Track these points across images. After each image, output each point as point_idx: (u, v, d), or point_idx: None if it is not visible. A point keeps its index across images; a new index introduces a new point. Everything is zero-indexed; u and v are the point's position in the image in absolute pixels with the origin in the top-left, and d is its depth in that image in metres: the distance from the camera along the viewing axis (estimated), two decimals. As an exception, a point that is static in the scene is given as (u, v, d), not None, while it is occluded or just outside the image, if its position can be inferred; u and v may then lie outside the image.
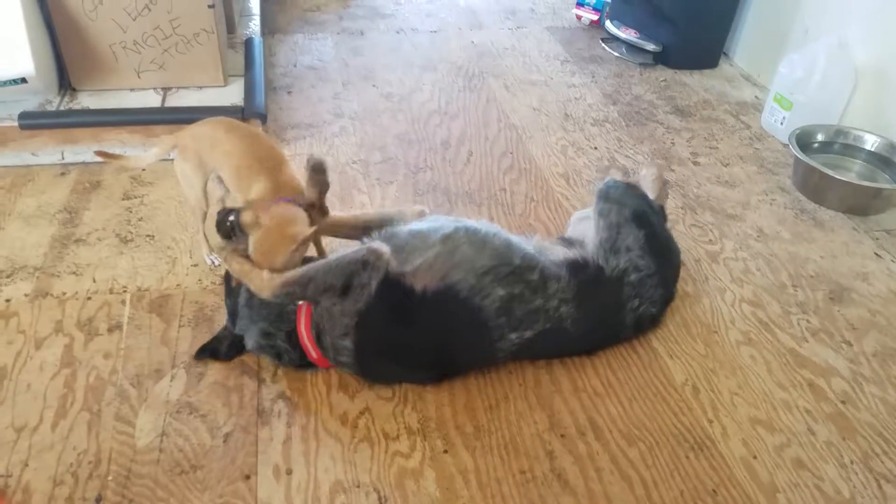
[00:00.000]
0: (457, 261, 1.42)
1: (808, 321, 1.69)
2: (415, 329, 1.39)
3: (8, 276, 1.68)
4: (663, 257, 1.61)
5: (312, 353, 1.41)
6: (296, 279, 1.35)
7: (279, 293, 1.35)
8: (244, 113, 2.14)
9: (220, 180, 1.62)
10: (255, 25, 2.84)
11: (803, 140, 2.20)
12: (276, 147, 1.60)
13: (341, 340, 1.37)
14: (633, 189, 1.70)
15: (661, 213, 1.76)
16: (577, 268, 1.54)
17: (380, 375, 1.45)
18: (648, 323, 1.61)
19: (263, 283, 1.35)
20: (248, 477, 1.27)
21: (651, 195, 1.76)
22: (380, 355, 1.40)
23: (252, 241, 1.37)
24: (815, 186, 2.13)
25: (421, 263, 1.41)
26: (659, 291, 1.58)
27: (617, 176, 1.88)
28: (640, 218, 1.61)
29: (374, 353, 1.40)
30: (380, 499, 1.25)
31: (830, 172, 2.06)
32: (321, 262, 1.39)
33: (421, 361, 1.43)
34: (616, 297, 1.54)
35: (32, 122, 2.05)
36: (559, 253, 1.58)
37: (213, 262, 1.73)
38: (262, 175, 1.49)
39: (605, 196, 1.65)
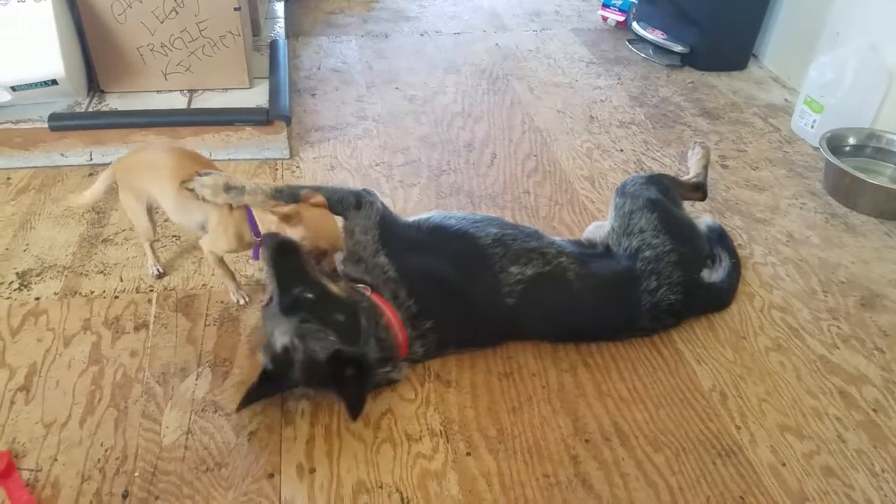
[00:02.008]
0: (452, 219, 1.59)
1: (838, 327, 1.66)
2: (424, 242, 1.53)
3: (38, 275, 1.70)
4: (681, 238, 1.59)
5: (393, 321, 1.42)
6: (312, 186, 1.51)
7: (296, 191, 1.47)
8: (269, 115, 2.15)
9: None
10: (279, 28, 2.86)
11: (834, 143, 2.17)
12: (202, 157, 1.61)
13: (376, 258, 1.45)
14: (653, 181, 1.69)
15: (702, 189, 1.85)
16: (583, 246, 1.65)
17: (416, 271, 1.47)
18: (670, 315, 1.57)
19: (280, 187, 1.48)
20: (271, 475, 1.27)
21: (693, 171, 1.87)
22: (408, 251, 1.49)
23: (303, 231, 1.41)
24: (846, 190, 2.09)
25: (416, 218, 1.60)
26: (678, 273, 1.54)
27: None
28: (654, 203, 1.61)
29: (403, 251, 1.48)
30: (402, 500, 1.24)
31: (862, 176, 2.02)
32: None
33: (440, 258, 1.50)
34: (629, 270, 1.54)
35: (62, 123, 2.08)
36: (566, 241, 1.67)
37: (158, 271, 1.71)
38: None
39: (622, 191, 1.68)
